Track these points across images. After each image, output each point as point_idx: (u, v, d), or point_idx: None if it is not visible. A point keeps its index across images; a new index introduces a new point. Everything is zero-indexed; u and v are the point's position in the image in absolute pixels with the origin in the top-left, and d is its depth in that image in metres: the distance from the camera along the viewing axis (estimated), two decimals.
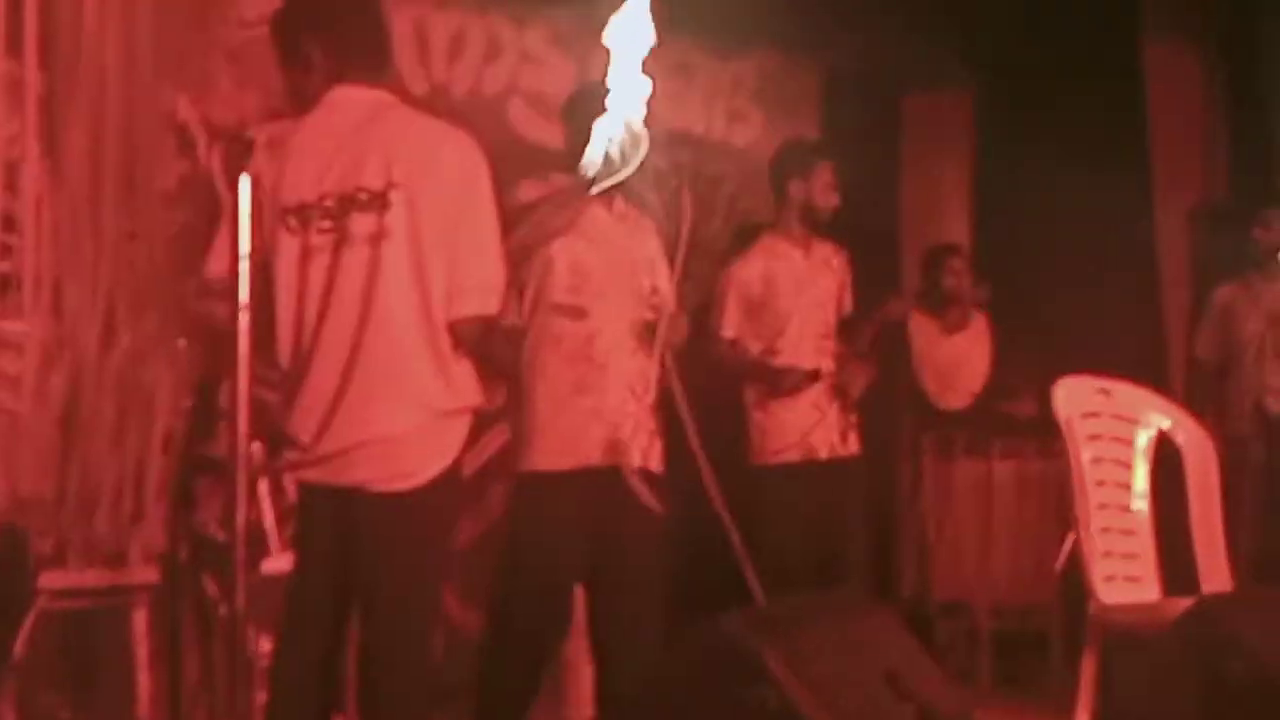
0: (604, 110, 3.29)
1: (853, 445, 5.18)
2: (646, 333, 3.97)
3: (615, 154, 3.29)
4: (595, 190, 3.43)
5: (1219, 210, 6.67)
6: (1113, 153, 6.42)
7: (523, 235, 3.68)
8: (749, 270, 5.26)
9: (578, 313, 3.99)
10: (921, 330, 6.32)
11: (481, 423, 3.39)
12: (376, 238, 3.16)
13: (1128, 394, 4.68)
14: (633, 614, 3.99)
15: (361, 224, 3.17)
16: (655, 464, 4.05)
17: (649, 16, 3.20)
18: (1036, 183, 6.41)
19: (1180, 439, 4.66)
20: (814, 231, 5.29)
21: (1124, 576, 4.45)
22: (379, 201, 3.17)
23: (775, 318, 5.23)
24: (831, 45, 6.60)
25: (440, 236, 3.17)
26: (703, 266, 5.69)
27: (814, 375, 5.12)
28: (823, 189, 5.21)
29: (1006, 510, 5.95)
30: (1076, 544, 4.56)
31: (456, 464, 3.25)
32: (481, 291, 3.21)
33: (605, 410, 3.96)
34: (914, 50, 6.61)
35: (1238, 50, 6.71)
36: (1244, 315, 6.11)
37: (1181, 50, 6.76)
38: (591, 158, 3.31)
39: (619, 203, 4.07)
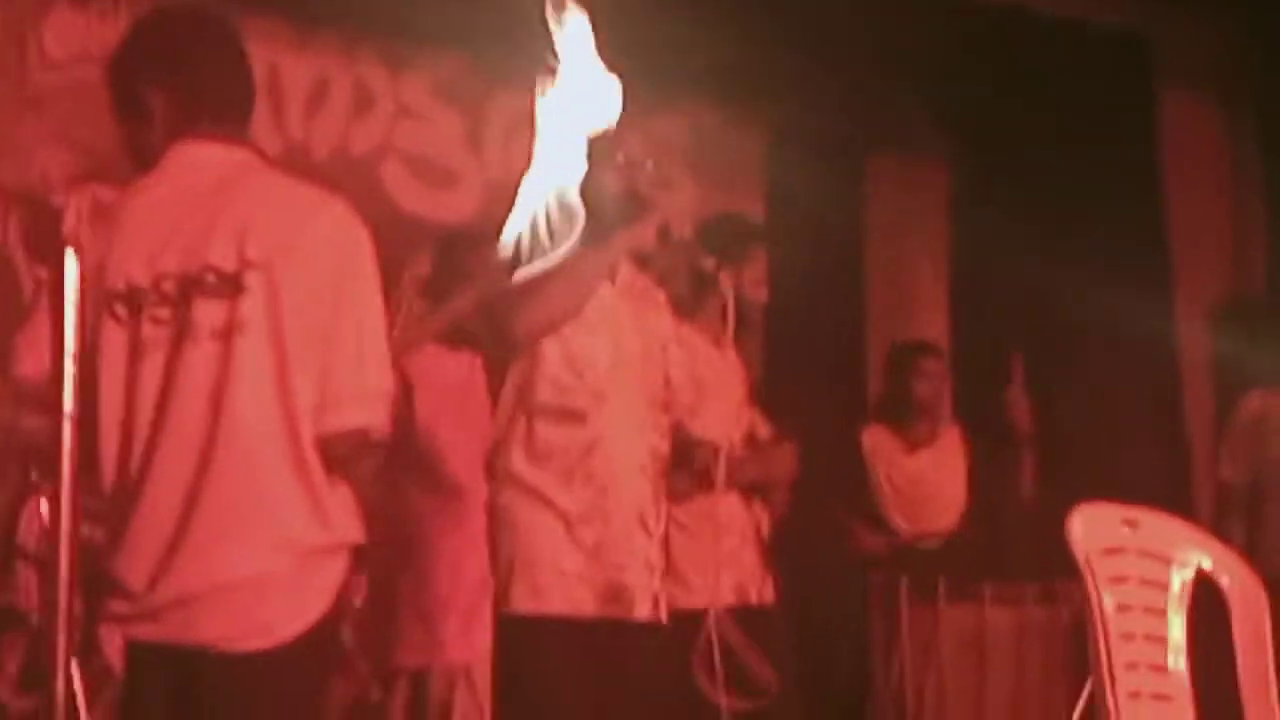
0: None
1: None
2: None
3: (544, 230, 3.26)
4: (520, 273, 3.39)
5: (1251, 303, 6.68)
6: (1123, 232, 6.43)
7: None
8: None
9: (573, 417, 3.85)
10: (883, 447, 6.24)
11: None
12: (227, 331, 3.04)
13: (1158, 526, 4.62)
14: None
15: (208, 313, 3.05)
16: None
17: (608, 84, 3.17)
18: (1026, 267, 6.40)
19: (1224, 581, 4.60)
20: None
21: None
22: (231, 285, 3.05)
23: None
24: (780, 100, 6.56)
25: (309, 330, 3.06)
26: None
27: None
28: (753, 281, 5.11)
29: (1003, 668, 5.86)
30: (1094, 711, 4.48)
31: (330, 614, 3.11)
32: (360, 399, 3.10)
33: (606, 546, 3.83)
34: (880, 109, 6.59)
35: (1273, 109, 6.75)
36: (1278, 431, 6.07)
37: (1205, 110, 6.83)
38: (514, 233, 3.27)
39: (625, 271, 3.94)
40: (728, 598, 4.71)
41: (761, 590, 4.98)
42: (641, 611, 3.85)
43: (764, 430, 5.22)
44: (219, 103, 3.22)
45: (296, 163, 5.45)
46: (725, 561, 4.72)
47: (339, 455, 3.09)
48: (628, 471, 3.89)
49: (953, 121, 6.85)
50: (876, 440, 6.24)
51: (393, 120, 6.00)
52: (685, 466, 4.62)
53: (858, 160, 7.08)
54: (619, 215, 3.65)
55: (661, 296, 4.09)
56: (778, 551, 5.05)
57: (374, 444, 3.16)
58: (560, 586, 3.82)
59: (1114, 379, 6.43)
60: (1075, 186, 6.44)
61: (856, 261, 7.09)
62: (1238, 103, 6.89)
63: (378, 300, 3.16)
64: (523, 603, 3.82)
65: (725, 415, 4.90)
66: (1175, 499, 5.70)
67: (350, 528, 3.14)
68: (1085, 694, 4.77)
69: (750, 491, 5.01)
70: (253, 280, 3.04)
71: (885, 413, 6.32)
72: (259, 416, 3.04)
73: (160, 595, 3.05)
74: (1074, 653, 5.49)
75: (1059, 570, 5.11)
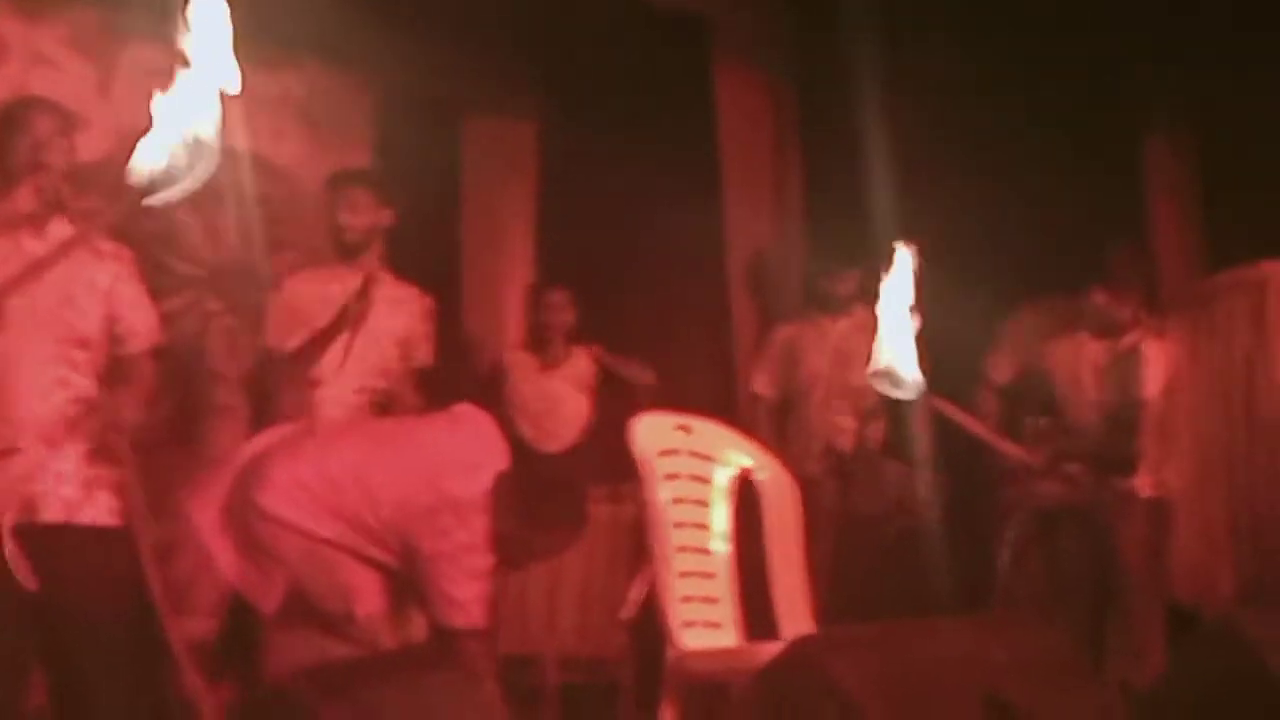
0: None
1: None
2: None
3: (176, 165, 3.21)
4: (149, 203, 3.34)
5: (788, 251, 7.07)
6: (687, 188, 6.76)
7: None
8: (302, 288, 5.37)
9: None
10: (520, 367, 6.52)
11: None
12: None
13: (707, 431, 4.87)
14: None
15: None
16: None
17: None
18: (605, 216, 6.65)
19: (760, 478, 4.86)
20: (348, 258, 5.39)
21: (704, 621, 4.61)
22: None
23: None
24: (387, 62, 6.64)
25: None
26: (250, 293, 5.68)
27: None
28: (350, 208, 5.36)
29: (575, 556, 5.95)
30: (651, 590, 4.71)
31: None
32: None
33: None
34: (477, 71, 6.74)
35: (810, 83, 7.13)
36: (808, 353, 6.51)
37: (751, 78, 7.15)
38: (143, 166, 3.19)
39: None
40: None
41: None
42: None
43: None
44: None
45: None
46: None
47: None
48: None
49: (544, 87, 7.05)
50: (515, 361, 6.50)
51: (27, 68, 5.85)
52: None
53: (456, 119, 7.22)
54: None
55: None
56: None
57: None
58: None
59: (676, 307, 6.76)
60: (648, 146, 6.72)
61: (454, 210, 7.25)
62: (780, 76, 7.23)
63: None
64: None
65: None
66: (723, 409, 5.93)
67: None
68: (640, 576, 5.00)
69: None
70: None
71: (527, 339, 6.70)
72: None
73: None
74: (635, 545, 5.65)
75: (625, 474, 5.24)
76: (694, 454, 4.77)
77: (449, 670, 3.48)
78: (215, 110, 3.10)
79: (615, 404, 6.22)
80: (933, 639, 3.74)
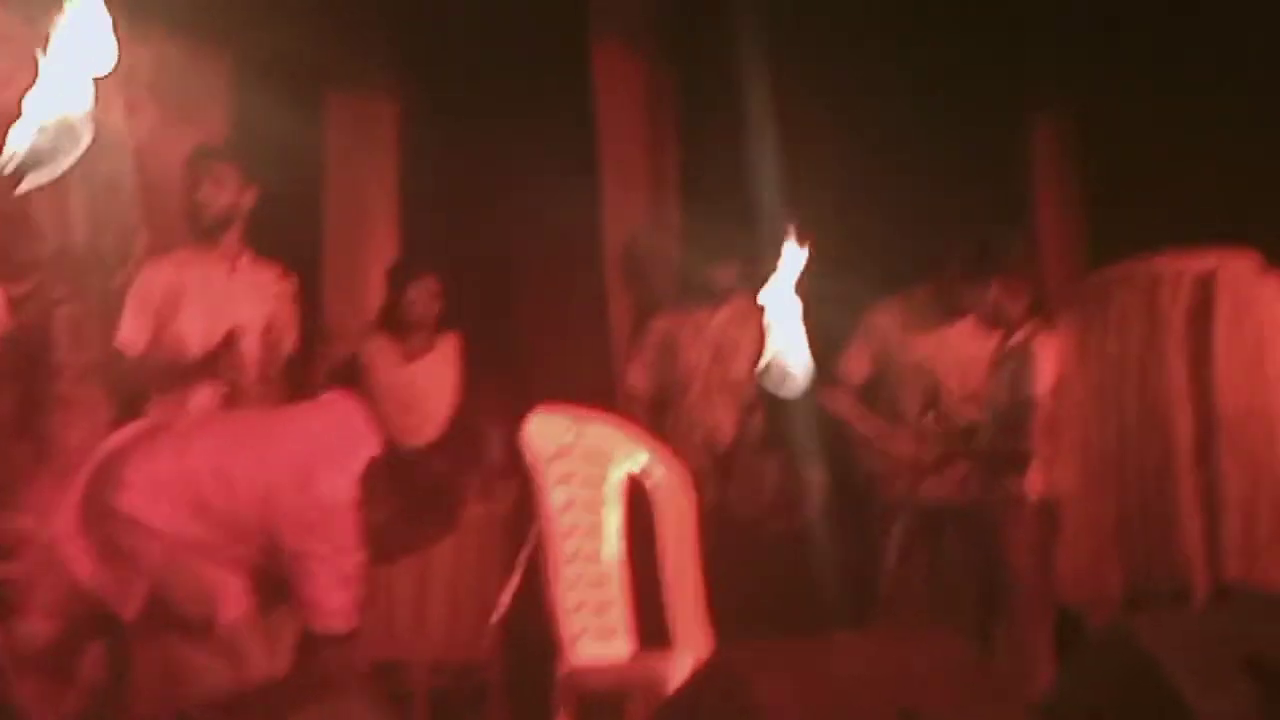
0: None
1: None
2: None
3: (45, 146, 2.97)
4: (22, 189, 3.08)
5: (665, 238, 6.88)
6: (562, 170, 6.51)
7: None
8: (157, 277, 5.21)
9: None
10: (382, 356, 6.16)
11: None
12: None
13: (600, 430, 4.73)
14: None
15: None
16: None
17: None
18: (475, 198, 6.40)
19: (654, 480, 4.74)
20: (207, 240, 5.25)
21: (595, 630, 4.48)
22: None
23: (177, 340, 5.16)
24: (244, 34, 6.34)
25: None
26: (96, 279, 5.39)
27: None
28: (211, 186, 5.24)
29: (444, 558, 5.80)
30: (523, 592, 4.59)
31: None
32: None
33: None
34: (338, 43, 6.45)
35: (689, 60, 6.93)
36: (685, 346, 6.30)
37: (630, 58, 6.94)
38: (13, 148, 2.95)
39: None
40: None
41: None
42: None
43: None
44: None
45: None
46: None
47: None
48: None
49: (407, 62, 6.74)
50: (376, 349, 6.15)
51: None
52: None
53: (318, 93, 6.91)
54: None
55: None
56: None
57: None
58: None
59: (551, 296, 6.52)
60: (521, 127, 6.47)
61: (316, 189, 6.93)
62: (659, 51, 7.03)
63: None
64: None
65: None
66: (601, 402, 5.77)
67: None
68: (512, 576, 4.84)
69: None
70: None
71: (386, 324, 6.21)
72: None
73: None
74: (507, 542, 5.53)
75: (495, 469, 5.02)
76: (586, 454, 4.66)
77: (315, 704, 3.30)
78: (87, 92, 2.91)
79: (481, 396, 6.00)
80: (850, 655, 3.65)
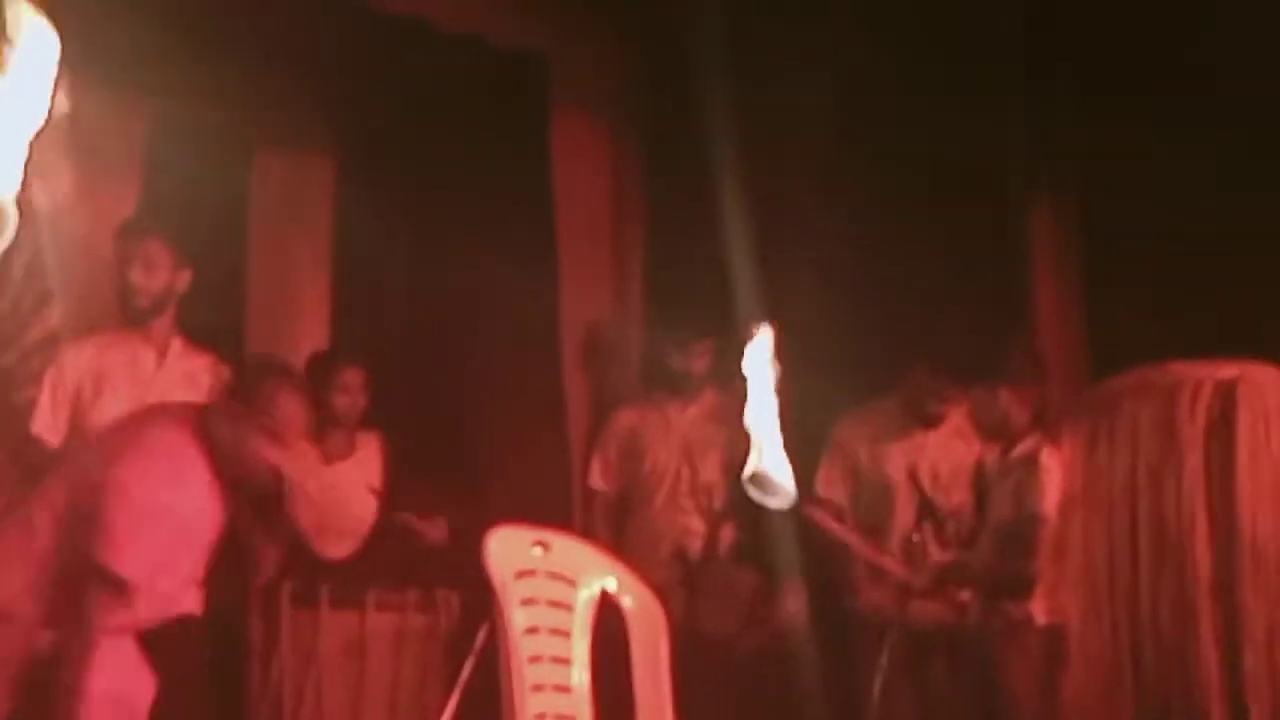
0: None
1: None
2: None
3: None
4: None
5: (628, 322, 6.39)
6: (516, 245, 5.97)
7: None
8: (78, 361, 4.95)
9: None
10: (299, 461, 5.51)
11: None
12: None
13: (567, 549, 4.39)
14: None
15: None
16: None
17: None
18: (416, 277, 5.89)
19: (625, 601, 4.36)
20: (136, 324, 5.01)
21: None
22: None
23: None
24: (164, 90, 5.82)
25: None
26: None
27: None
28: (144, 267, 4.97)
29: (382, 672, 5.35)
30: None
31: None
32: None
33: None
34: (270, 105, 5.91)
35: (655, 132, 6.44)
36: (652, 444, 5.89)
37: (591, 124, 6.50)
38: None
39: None
40: None
41: None
42: None
43: None
44: None
45: None
46: None
47: None
48: None
49: (345, 122, 6.18)
50: (294, 454, 5.51)
51: None
52: None
53: (246, 152, 6.30)
54: None
55: None
56: None
57: None
58: None
59: (501, 387, 5.96)
60: (470, 198, 5.93)
61: (240, 259, 6.28)
62: (624, 123, 6.57)
63: None
64: None
65: None
66: (558, 506, 5.39)
67: None
68: (452, 702, 4.38)
69: None
70: None
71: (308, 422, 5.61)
72: None
73: None
74: (449, 657, 5.16)
75: (439, 579, 5.13)
76: (553, 575, 4.21)
77: None
78: (18, 164, 2.43)
79: (409, 500, 5.50)
80: None
